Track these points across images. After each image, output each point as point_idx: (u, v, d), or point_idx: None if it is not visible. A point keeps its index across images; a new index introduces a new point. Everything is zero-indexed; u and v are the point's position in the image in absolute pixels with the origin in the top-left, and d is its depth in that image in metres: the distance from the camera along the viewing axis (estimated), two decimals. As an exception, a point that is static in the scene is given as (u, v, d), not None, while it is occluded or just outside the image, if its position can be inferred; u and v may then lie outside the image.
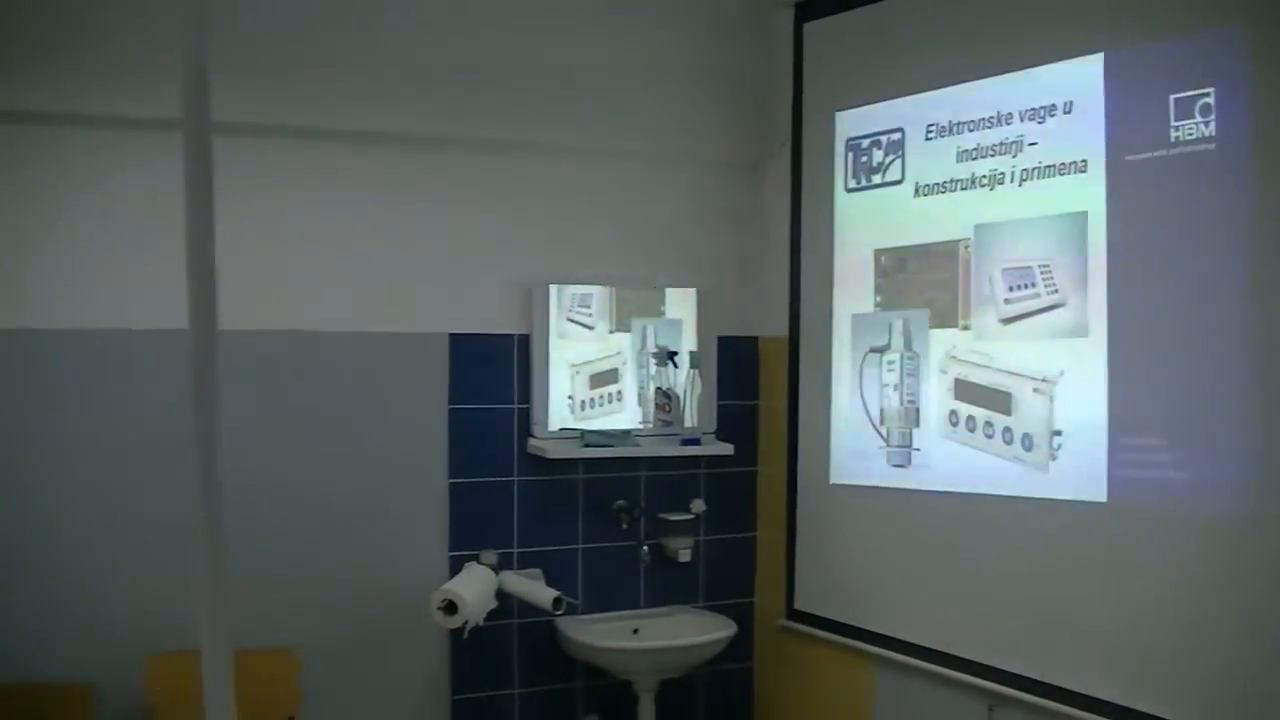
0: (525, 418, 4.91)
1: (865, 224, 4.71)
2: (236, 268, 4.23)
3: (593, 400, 5.05)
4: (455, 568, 4.76)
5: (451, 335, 4.80)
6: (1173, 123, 3.60)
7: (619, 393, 5.09)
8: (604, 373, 5.07)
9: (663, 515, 5.10)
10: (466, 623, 4.48)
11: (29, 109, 4.18)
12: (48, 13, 4.20)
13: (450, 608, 4.47)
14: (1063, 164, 3.92)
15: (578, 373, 5.01)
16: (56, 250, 4.29)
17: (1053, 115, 3.98)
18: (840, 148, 4.81)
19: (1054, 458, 3.95)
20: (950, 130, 4.34)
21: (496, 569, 4.76)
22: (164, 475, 4.29)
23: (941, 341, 4.37)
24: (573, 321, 4.99)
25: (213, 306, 1.50)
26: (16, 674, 4.20)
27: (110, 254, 4.32)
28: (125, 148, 4.28)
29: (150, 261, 4.17)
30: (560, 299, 4.96)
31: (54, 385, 4.32)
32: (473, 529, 4.84)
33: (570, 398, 4.99)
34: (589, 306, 5.02)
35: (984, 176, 4.19)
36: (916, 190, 4.48)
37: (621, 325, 5.09)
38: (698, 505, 5.15)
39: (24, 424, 4.29)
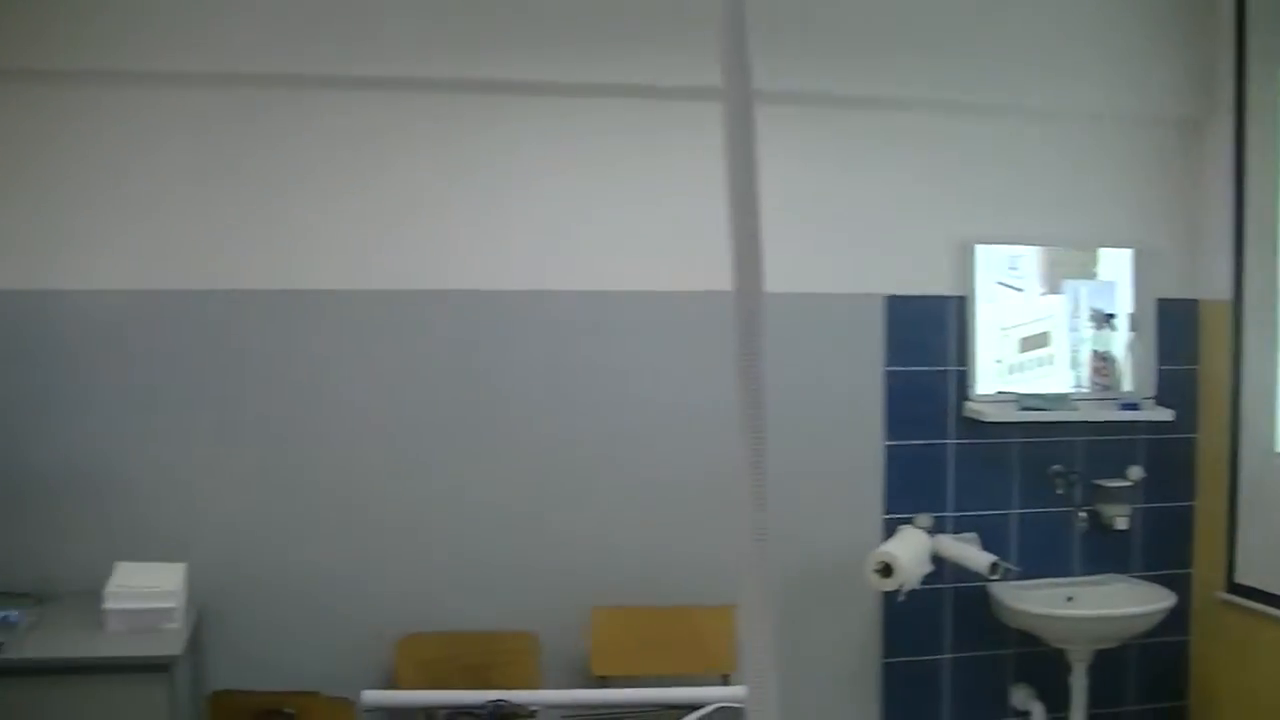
0: (960, 380, 4.89)
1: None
2: (691, 228, 4.42)
3: (1021, 364, 4.98)
4: (889, 530, 4.79)
5: (887, 296, 4.82)
6: None
7: (1050, 356, 5.00)
8: (1034, 336, 4.98)
9: (1099, 481, 4.98)
10: (901, 586, 4.50)
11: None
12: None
13: (886, 570, 4.49)
14: None
15: (1006, 336, 4.95)
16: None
17: None
18: (1290, 102, 4.59)
19: None
20: None
21: (931, 533, 4.76)
22: (608, 443, 4.62)
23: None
24: (1002, 284, 4.92)
25: (758, 269, 1.53)
26: (473, 625, 4.51)
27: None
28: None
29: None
30: (989, 261, 4.90)
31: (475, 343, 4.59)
32: (907, 492, 4.86)
33: (999, 361, 4.94)
34: (1018, 268, 4.95)
35: None
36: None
37: (1053, 287, 5.00)
38: (1135, 472, 5.00)
39: (480, 389, 4.58)
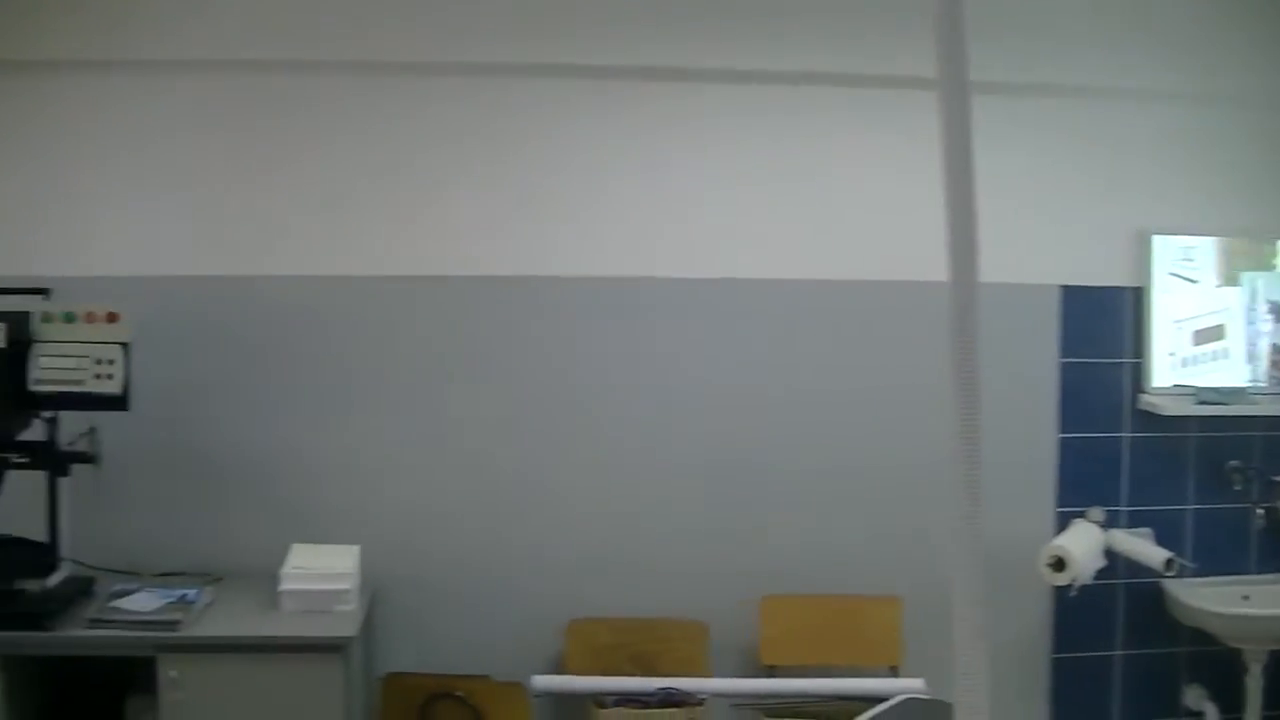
0: (1135, 373, 4.79)
1: None
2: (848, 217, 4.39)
3: (1194, 357, 4.86)
4: (1061, 524, 4.70)
5: (1063, 287, 4.74)
6: None
7: (1224, 349, 4.88)
8: (1209, 329, 4.86)
9: (1278, 478, 4.84)
10: (1074, 580, 4.43)
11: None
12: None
13: (1058, 564, 4.44)
14: None
15: (1179, 328, 4.83)
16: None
17: None
18: None
19: None
20: None
21: (1104, 527, 4.67)
22: (774, 434, 4.62)
23: None
24: (1175, 276, 4.81)
25: (973, 259, 1.50)
26: (644, 611, 4.53)
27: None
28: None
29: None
30: (1163, 251, 4.79)
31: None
32: (1080, 485, 4.77)
33: (1171, 354, 4.82)
34: (1192, 260, 4.83)
35: None
36: None
37: (1229, 279, 4.87)
38: (1315, 468, 4.87)
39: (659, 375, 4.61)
